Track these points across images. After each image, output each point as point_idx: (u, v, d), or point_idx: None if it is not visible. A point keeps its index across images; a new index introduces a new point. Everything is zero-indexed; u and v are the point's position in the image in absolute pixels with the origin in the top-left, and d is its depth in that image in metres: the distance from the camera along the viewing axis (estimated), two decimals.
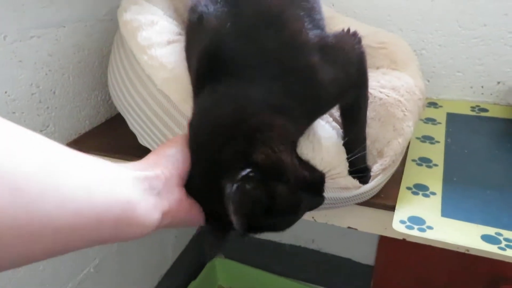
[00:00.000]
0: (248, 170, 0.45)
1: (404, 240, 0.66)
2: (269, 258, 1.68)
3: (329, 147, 0.63)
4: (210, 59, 0.56)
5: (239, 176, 0.44)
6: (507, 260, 0.59)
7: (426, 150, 0.88)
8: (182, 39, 0.71)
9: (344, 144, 0.66)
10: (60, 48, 0.93)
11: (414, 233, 0.64)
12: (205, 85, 0.55)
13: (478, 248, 0.61)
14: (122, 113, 0.80)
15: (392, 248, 1.36)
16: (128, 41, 0.69)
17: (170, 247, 1.57)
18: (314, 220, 0.80)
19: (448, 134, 0.95)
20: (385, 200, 0.72)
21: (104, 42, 1.05)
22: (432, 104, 1.10)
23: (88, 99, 1.04)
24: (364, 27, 0.96)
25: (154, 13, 0.74)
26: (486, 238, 0.62)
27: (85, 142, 1.00)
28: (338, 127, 0.69)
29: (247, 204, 0.45)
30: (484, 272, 1.15)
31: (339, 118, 0.69)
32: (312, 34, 0.59)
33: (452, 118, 1.02)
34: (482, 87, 1.09)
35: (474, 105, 1.09)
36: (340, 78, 0.58)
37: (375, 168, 0.66)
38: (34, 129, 0.87)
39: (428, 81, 1.12)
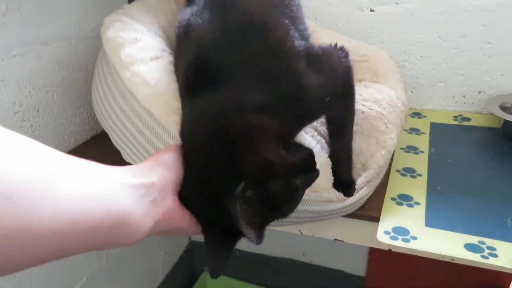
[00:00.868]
0: (242, 185, 0.47)
1: (392, 250, 0.67)
2: (260, 272, 1.67)
3: None
4: (195, 70, 0.57)
5: (237, 193, 0.46)
6: (490, 268, 0.60)
7: (410, 160, 0.89)
8: (165, 55, 0.72)
9: (330, 157, 0.67)
10: (43, 65, 0.93)
11: (399, 244, 0.65)
12: (191, 95, 0.56)
13: (462, 257, 0.61)
14: (106, 130, 0.80)
15: (383, 258, 1.36)
16: (111, 58, 0.69)
17: (160, 264, 1.56)
18: (301, 233, 0.80)
19: (432, 143, 0.96)
20: (369, 211, 0.73)
21: (89, 59, 1.05)
22: (416, 115, 1.12)
23: (73, 116, 1.03)
24: (346, 40, 0.97)
25: (137, 30, 0.75)
26: (469, 247, 0.63)
27: None
28: (323, 140, 0.69)
29: (254, 214, 0.47)
30: (474, 281, 1.15)
31: (323, 132, 0.69)
32: (298, 43, 0.59)
33: (435, 128, 1.04)
34: (464, 96, 1.11)
35: (457, 114, 1.10)
36: (326, 86, 0.59)
37: (359, 181, 0.67)
38: None
39: (412, 92, 1.14)
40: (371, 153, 0.69)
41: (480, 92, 1.09)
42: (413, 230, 0.67)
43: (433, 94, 1.13)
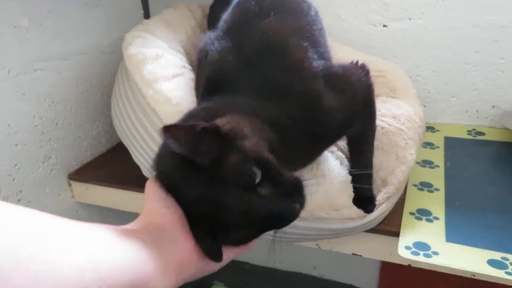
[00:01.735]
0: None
1: (406, 265, 0.67)
2: (270, 286, 1.65)
3: (333, 178, 0.64)
4: (212, 91, 0.57)
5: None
6: None
7: (426, 174, 0.89)
8: (186, 72, 0.73)
9: (350, 173, 0.67)
10: (63, 80, 0.94)
11: (420, 259, 0.64)
12: None
13: (485, 273, 0.61)
14: (126, 145, 0.80)
15: (395, 273, 1.35)
16: (133, 74, 0.70)
17: None
18: (319, 247, 0.80)
19: (447, 158, 0.96)
20: (389, 226, 0.73)
21: (106, 74, 1.07)
22: (430, 129, 1.12)
23: (89, 129, 1.05)
24: (360, 55, 0.98)
25: (158, 46, 0.76)
26: (492, 263, 0.62)
27: (87, 173, 1.00)
28: (343, 156, 0.70)
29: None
30: None
31: (343, 147, 0.70)
32: (317, 63, 0.60)
33: (450, 142, 1.04)
34: (477, 111, 1.11)
35: (470, 128, 1.11)
36: (345, 107, 0.59)
37: (379, 197, 0.67)
38: (36, 160, 0.89)
39: (425, 106, 1.15)
40: (391, 168, 0.69)
41: (493, 106, 1.09)
42: (434, 245, 0.67)
43: (446, 109, 1.14)
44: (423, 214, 0.75)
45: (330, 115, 0.57)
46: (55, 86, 0.93)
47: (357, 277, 1.51)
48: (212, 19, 0.94)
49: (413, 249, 0.66)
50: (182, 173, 0.44)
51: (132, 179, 0.90)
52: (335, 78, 0.60)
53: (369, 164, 0.68)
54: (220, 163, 0.42)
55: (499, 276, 0.60)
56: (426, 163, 0.94)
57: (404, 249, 0.67)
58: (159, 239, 0.40)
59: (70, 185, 1.00)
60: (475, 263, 0.63)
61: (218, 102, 0.53)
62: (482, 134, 1.08)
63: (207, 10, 1.01)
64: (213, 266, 0.46)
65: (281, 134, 0.49)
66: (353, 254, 0.79)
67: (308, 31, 0.64)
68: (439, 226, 0.72)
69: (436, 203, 0.78)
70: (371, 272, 1.43)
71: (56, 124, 0.94)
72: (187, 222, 0.44)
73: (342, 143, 0.71)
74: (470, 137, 1.07)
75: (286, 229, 0.64)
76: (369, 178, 0.68)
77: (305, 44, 0.61)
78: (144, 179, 0.82)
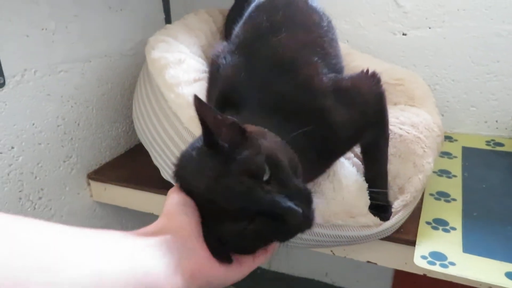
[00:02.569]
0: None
1: (421, 274, 0.66)
2: None
3: (350, 186, 0.64)
4: (223, 102, 0.59)
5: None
6: None
7: (443, 184, 0.89)
8: (206, 77, 0.74)
9: (366, 180, 0.67)
10: (85, 81, 0.97)
11: (436, 269, 0.64)
12: None
13: (502, 286, 0.60)
14: (146, 147, 0.82)
15: (408, 282, 1.34)
16: (155, 78, 0.72)
17: None
18: (333, 253, 0.80)
19: (464, 168, 0.96)
20: (405, 234, 0.73)
21: (127, 76, 1.09)
22: (447, 138, 1.11)
23: (109, 130, 1.07)
24: (379, 63, 0.99)
25: (181, 51, 0.77)
26: (510, 275, 0.62)
27: (105, 173, 1.02)
28: (360, 162, 0.70)
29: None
30: None
31: (360, 154, 0.70)
32: (327, 78, 0.61)
33: (467, 152, 1.03)
34: (497, 121, 1.10)
35: (489, 139, 1.10)
36: (355, 120, 0.60)
37: (396, 205, 0.67)
38: (57, 159, 0.91)
39: (443, 115, 1.14)
40: (408, 176, 0.69)
41: None
42: (451, 255, 0.66)
43: (464, 118, 1.13)
44: (439, 223, 0.75)
45: (341, 130, 0.58)
46: (78, 87, 0.95)
47: (369, 285, 1.50)
48: (228, 28, 0.95)
49: (429, 259, 0.66)
50: (199, 161, 0.46)
51: (149, 180, 0.92)
52: (345, 92, 0.61)
53: (383, 172, 0.68)
54: (236, 152, 0.44)
55: None
56: (444, 173, 0.93)
57: (420, 258, 0.66)
58: (173, 246, 0.40)
59: (89, 184, 1.02)
60: (492, 275, 0.62)
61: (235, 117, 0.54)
62: (501, 145, 1.07)
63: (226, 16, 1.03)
64: (229, 278, 0.46)
65: (293, 148, 0.51)
66: (368, 262, 0.78)
67: (319, 44, 0.66)
68: (456, 236, 0.71)
69: (453, 213, 0.78)
70: (384, 281, 1.42)
71: (78, 124, 0.96)
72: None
73: (359, 149, 0.71)
74: (488, 147, 1.06)
75: (302, 235, 0.66)
76: (384, 185, 0.68)
77: (316, 58, 0.62)
78: (162, 181, 0.84)
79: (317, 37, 0.67)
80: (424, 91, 0.86)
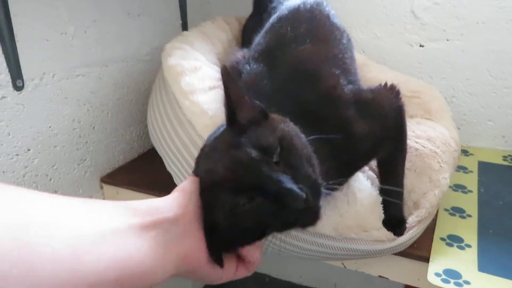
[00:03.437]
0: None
1: None
2: None
3: (364, 199, 0.64)
4: None
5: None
6: None
7: (458, 199, 0.87)
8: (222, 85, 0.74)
9: (381, 194, 0.66)
10: (102, 86, 0.98)
11: (450, 287, 0.63)
12: None
13: None
14: (159, 153, 0.82)
15: None
16: (171, 85, 0.72)
17: None
18: (344, 266, 0.79)
19: (480, 183, 0.94)
20: (418, 250, 0.71)
21: (143, 81, 1.10)
22: (463, 152, 1.10)
23: (123, 134, 1.08)
24: (395, 74, 0.98)
25: (197, 59, 0.78)
26: None
27: (118, 177, 1.03)
28: (374, 175, 0.69)
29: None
30: None
31: (375, 167, 0.69)
32: (347, 89, 0.61)
33: (484, 167, 1.02)
34: None
35: (506, 154, 1.08)
36: (375, 132, 0.59)
37: (410, 220, 0.66)
38: (72, 162, 0.92)
39: (459, 128, 1.12)
40: (423, 191, 0.68)
41: None
42: (466, 274, 0.65)
43: (481, 132, 1.11)
44: (454, 240, 0.74)
45: (360, 142, 0.58)
46: (95, 91, 0.96)
47: None
48: (246, 36, 0.96)
49: (443, 276, 0.65)
50: (216, 140, 0.48)
51: (161, 185, 0.92)
52: (366, 104, 0.61)
53: (399, 186, 0.67)
54: (252, 128, 0.45)
55: None
56: (459, 188, 0.92)
57: (434, 275, 0.65)
58: (171, 228, 0.40)
59: (101, 187, 1.02)
60: None
61: None
62: None
63: (243, 24, 1.03)
64: (217, 276, 0.46)
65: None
66: (380, 276, 0.77)
67: (340, 60, 0.66)
68: (471, 254, 0.70)
69: (469, 230, 0.76)
70: None
71: (93, 128, 0.97)
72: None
73: (374, 162, 0.71)
74: (506, 163, 1.04)
75: (314, 247, 0.65)
76: (399, 199, 0.67)
77: (337, 72, 0.62)
78: (175, 187, 0.84)
79: (339, 53, 0.67)
80: (441, 104, 0.85)
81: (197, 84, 0.70)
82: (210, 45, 0.87)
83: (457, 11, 1.04)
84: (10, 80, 0.76)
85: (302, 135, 0.50)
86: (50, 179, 0.88)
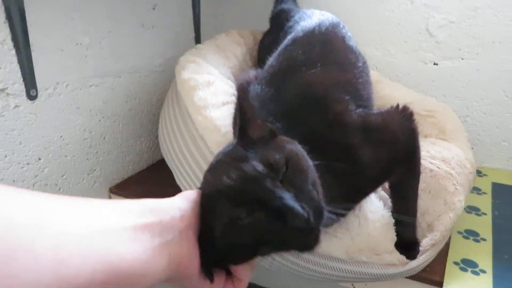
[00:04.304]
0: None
1: None
2: None
3: (376, 221, 0.62)
4: None
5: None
6: None
7: (472, 222, 0.85)
8: (235, 100, 0.74)
9: (393, 215, 0.65)
10: (114, 96, 0.98)
11: None
12: None
13: None
14: (170, 166, 0.82)
15: None
16: (184, 99, 0.72)
17: None
18: (353, 287, 0.77)
19: (495, 206, 0.92)
20: (431, 274, 0.70)
21: (155, 92, 1.10)
22: (477, 172, 1.07)
23: (133, 145, 1.07)
24: (409, 93, 0.97)
25: (210, 73, 0.77)
26: None
27: (127, 188, 1.03)
28: (387, 196, 0.68)
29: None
30: None
31: (388, 188, 0.68)
32: (356, 114, 0.59)
33: (498, 189, 1.00)
34: None
35: None
36: (383, 158, 0.58)
37: (424, 243, 0.64)
38: (82, 172, 0.91)
39: (472, 148, 1.10)
40: (438, 214, 0.66)
41: None
42: None
43: (495, 153, 1.09)
44: (468, 265, 0.72)
45: (368, 168, 0.57)
46: (107, 101, 0.96)
47: None
48: (261, 54, 0.95)
49: None
50: (225, 154, 0.47)
51: (170, 197, 0.91)
52: (374, 130, 0.59)
53: (412, 209, 0.65)
54: (261, 146, 0.45)
55: None
56: (472, 209, 0.90)
57: None
58: (167, 231, 0.39)
59: (110, 198, 1.02)
60: None
61: None
62: None
63: (258, 37, 1.03)
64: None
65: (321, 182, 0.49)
66: None
67: (352, 85, 0.65)
68: (486, 280, 0.68)
69: (483, 255, 0.75)
70: None
71: (104, 138, 0.97)
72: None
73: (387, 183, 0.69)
74: None
75: (324, 269, 0.64)
76: (412, 222, 0.65)
77: (347, 97, 0.61)
78: None
79: (351, 78, 0.66)
80: (456, 124, 0.83)
81: (210, 99, 0.69)
82: (223, 58, 0.87)
83: (473, 30, 1.03)
84: (24, 90, 0.76)
85: (309, 159, 0.49)
86: (60, 189, 0.88)
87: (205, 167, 0.66)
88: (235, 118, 0.67)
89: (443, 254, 0.73)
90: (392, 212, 0.66)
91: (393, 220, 0.65)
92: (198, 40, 1.25)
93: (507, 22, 0.99)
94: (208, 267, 0.44)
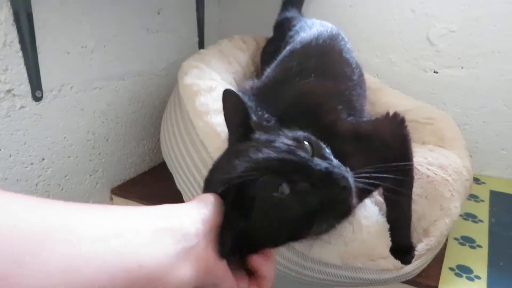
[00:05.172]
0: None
1: None
2: None
3: (370, 227, 0.62)
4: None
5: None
6: None
7: (469, 228, 0.86)
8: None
9: (388, 220, 0.66)
10: (118, 99, 1.00)
11: None
12: None
13: None
14: (171, 170, 0.83)
15: None
16: (186, 104, 0.73)
17: None
18: None
19: (492, 213, 0.93)
20: (426, 279, 0.71)
21: (158, 95, 1.12)
22: (475, 180, 1.09)
23: (136, 147, 1.09)
24: (409, 100, 0.98)
25: (212, 78, 0.79)
26: None
27: (128, 189, 1.04)
28: (382, 200, 0.69)
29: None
30: None
31: (382, 195, 0.69)
32: (348, 122, 0.60)
33: (495, 197, 1.00)
34: None
35: None
36: (374, 165, 0.59)
37: (420, 248, 0.65)
38: (84, 173, 0.93)
39: (471, 156, 1.11)
40: (434, 219, 0.67)
41: None
42: None
43: (493, 161, 1.10)
44: (463, 271, 0.72)
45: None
46: (111, 104, 0.98)
47: None
48: (263, 62, 0.97)
49: None
50: (231, 152, 0.50)
51: (171, 199, 0.90)
52: (365, 137, 0.60)
53: (406, 215, 0.66)
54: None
55: None
56: (469, 216, 0.91)
57: None
58: (192, 238, 0.37)
59: (111, 199, 1.03)
60: None
61: None
62: None
63: (261, 43, 1.05)
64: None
65: None
66: None
67: (345, 96, 0.66)
68: (481, 286, 0.69)
69: (478, 261, 0.75)
70: None
71: (107, 140, 0.99)
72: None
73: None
74: None
75: (319, 275, 0.65)
76: (407, 226, 0.66)
77: (340, 107, 0.62)
78: (183, 202, 0.84)
79: (345, 89, 0.67)
80: (455, 132, 0.84)
81: (211, 105, 0.70)
82: (226, 64, 0.88)
83: (473, 40, 1.04)
84: (30, 91, 0.78)
85: None
86: (62, 189, 0.89)
87: (205, 172, 0.67)
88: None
89: (438, 260, 0.74)
90: (387, 217, 0.66)
91: (387, 226, 0.65)
92: (201, 45, 1.27)
93: (507, 32, 1.00)
94: (226, 248, 0.41)
